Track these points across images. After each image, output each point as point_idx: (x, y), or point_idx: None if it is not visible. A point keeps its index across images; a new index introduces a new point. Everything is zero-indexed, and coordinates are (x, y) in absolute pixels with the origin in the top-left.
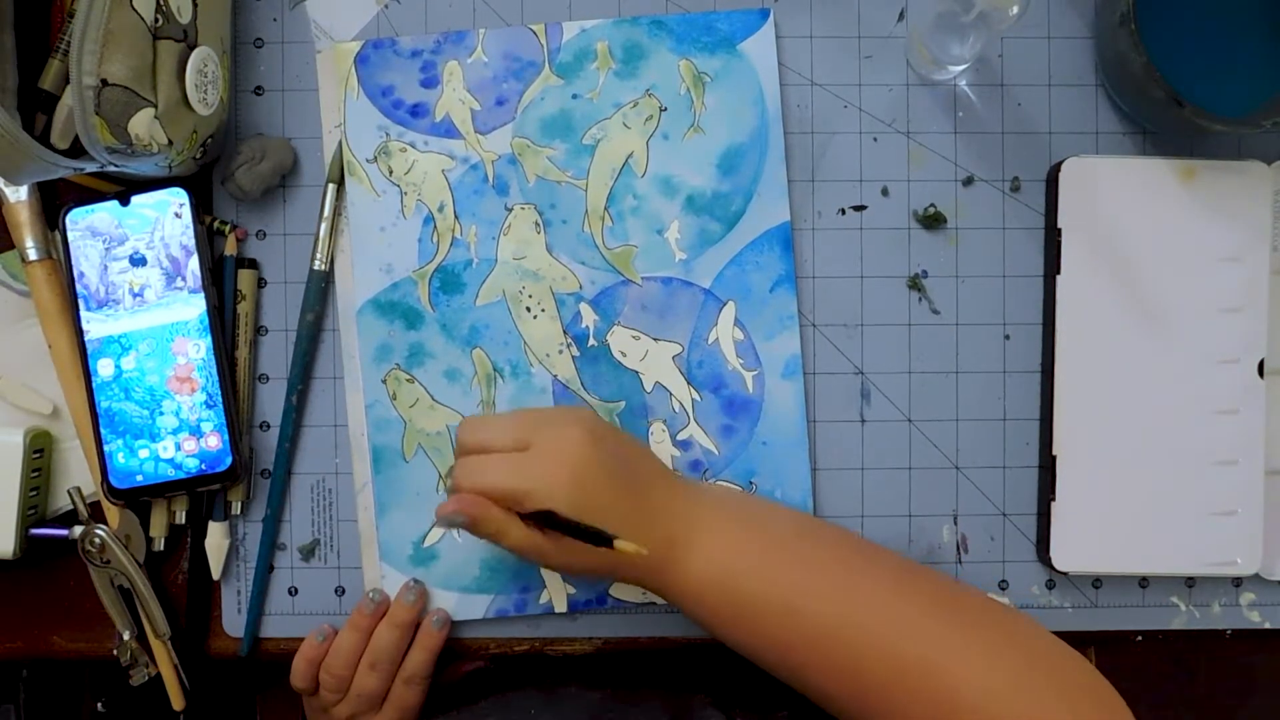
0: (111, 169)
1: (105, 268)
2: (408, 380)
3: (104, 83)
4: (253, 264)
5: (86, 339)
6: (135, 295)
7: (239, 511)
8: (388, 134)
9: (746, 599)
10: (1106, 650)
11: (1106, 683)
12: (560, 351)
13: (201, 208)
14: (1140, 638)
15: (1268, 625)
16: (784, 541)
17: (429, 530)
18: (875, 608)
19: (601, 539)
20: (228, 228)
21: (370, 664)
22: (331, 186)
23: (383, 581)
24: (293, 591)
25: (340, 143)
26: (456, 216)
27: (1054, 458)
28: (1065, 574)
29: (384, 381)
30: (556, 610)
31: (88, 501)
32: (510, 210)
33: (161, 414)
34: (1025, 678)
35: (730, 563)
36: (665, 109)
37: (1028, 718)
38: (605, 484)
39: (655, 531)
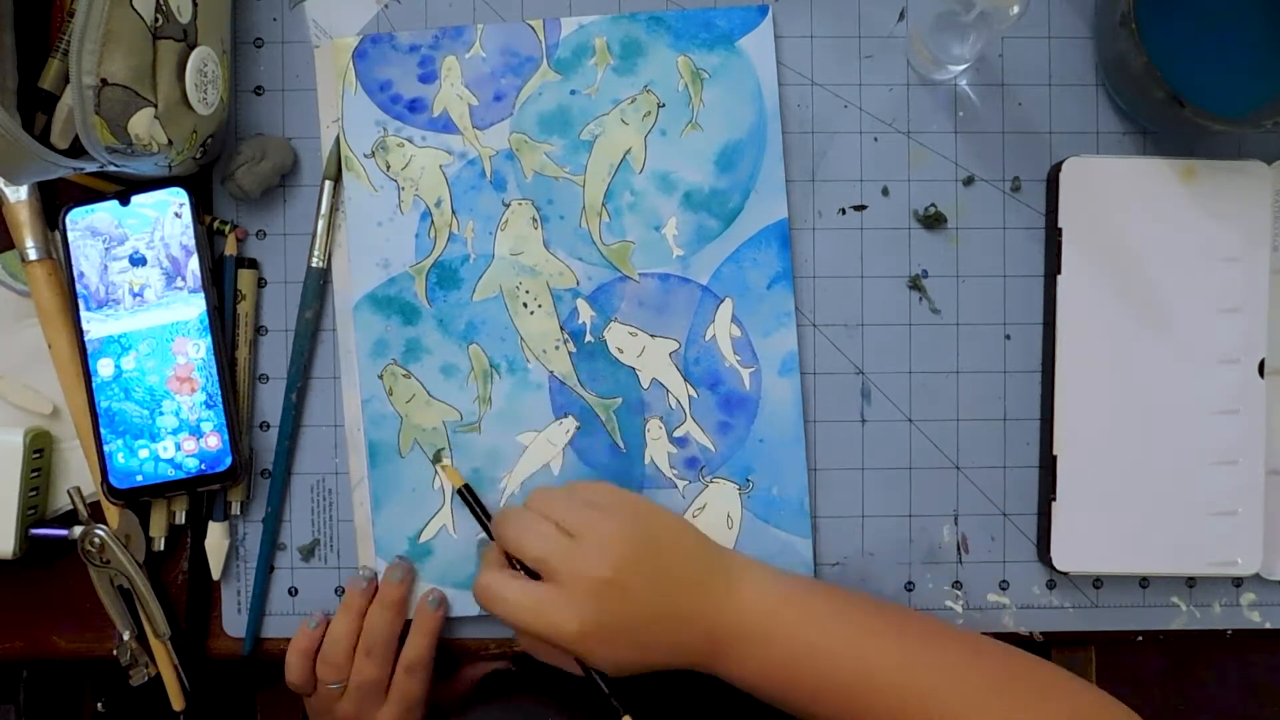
0: (111, 169)
1: (105, 268)
2: (404, 375)
3: (104, 82)
4: (253, 264)
5: (86, 339)
6: (135, 295)
7: (239, 511)
8: (385, 129)
9: (805, 686)
10: (1106, 650)
11: None
12: (557, 347)
13: (201, 208)
14: (1140, 638)
15: (1268, 625)
16: (844, 621)
17: (424, 525)
18: (946, 679)
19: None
20: (228, 227)
21: (366, 650)
22: (328, 183)
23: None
24: (293, 591)
25: (337, 138)
26: (454, 212)
27: (1054, 458)
28: (1065, 574)
29: (380, 376)
30: None
31: (88, 501)
32: (507, 206)
33: (161, 414)
34: None
35: (788, 658)
36: (663, 105)
37: None
38: (635, 598)
39: (692, 633)
